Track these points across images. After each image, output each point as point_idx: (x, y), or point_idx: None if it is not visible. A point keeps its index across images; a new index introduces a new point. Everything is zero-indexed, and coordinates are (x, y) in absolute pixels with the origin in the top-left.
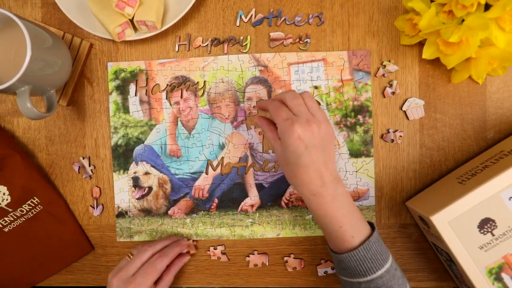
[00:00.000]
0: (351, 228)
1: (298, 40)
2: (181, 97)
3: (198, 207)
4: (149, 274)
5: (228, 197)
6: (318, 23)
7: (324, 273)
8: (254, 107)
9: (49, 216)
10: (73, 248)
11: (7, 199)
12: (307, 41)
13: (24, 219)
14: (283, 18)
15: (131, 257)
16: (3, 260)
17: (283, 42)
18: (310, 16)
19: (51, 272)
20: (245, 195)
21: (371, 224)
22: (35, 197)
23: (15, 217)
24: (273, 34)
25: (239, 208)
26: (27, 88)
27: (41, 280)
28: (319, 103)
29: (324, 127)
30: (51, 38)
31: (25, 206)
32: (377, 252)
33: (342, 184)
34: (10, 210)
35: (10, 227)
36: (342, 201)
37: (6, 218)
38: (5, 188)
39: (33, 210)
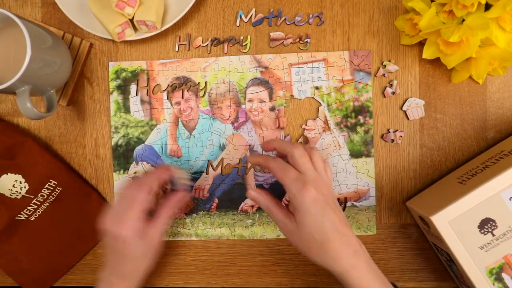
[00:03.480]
0: None
1: (298, 40)
2: (182, 97)
3: (198, 207)
4: (138, 188)
5: (228, 197)
6: (318, 23)
7: None
8: (255, 108)
9: (71, 194)
10: None
11: (25, 187)
12: (307, 41)
13: (47, 204)
14: (283, 18)
15: None
16: (37, 249)
17: (283, 42)
18: (310, 16)
19: (84, 250)
20: (245, 195)
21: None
22: (51, 180)
23: (39, 203)
24: (273, 34)
25: (239, 209)
26: (27, 88)
27: (77, 261)
28: (319, 104)
29: (331, 187)
30: (51, 38)
31: (45, 191)
32: None
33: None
34: (32, 197)
35: (36, 215)
36: (374, 266)
37: (29, 208)
38: (20, 176)
39: (53, 193)
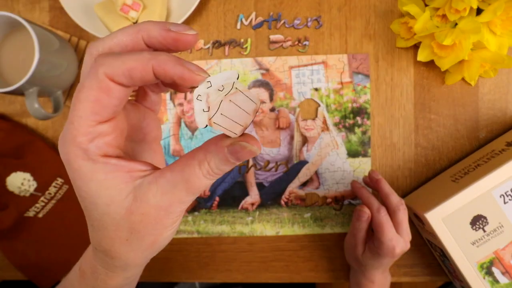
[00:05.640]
0: None
1: (297, 42)
2: (185, 98)
3: (200, 205)
4: None
5: (229, 196)
6: (316, 26)
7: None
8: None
9: None
10: None
11: (33, 185)
12: (306, 44)
13: (55, 201)
14: (282, 21)
15: None
16: (45, 244)
17: (282, 44)
18: (309, 19)
19: None
20: (245, 193)
21: None
22: (58, 178)
23: (46, 201)
24: (273, 37)
25: (240, 206)
26: (35, 89)
27: None
28: (319, 105)
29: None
30: (58, 41)
31: (52, 188)
32: None
33: None
34: (40, 194)
35: (44, 211)
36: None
37: (37, 205)
38: (29, 174)
39: (60, 191)
